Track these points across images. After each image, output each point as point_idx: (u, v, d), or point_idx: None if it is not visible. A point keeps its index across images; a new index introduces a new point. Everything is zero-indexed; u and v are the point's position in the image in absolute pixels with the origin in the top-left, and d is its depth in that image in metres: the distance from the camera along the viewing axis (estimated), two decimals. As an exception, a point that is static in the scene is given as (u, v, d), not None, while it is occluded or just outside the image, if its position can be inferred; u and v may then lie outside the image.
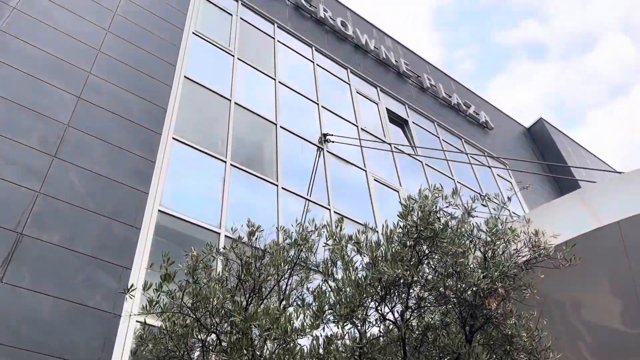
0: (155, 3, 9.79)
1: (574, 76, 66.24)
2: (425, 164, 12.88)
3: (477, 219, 4.27)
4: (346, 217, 9.14)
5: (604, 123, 61.82)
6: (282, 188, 8.75)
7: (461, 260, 3.76)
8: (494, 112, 18.52)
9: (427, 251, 3.83)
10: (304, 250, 4.17)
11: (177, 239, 6.97)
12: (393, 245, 3.85)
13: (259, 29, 12.20)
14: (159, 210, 6.68)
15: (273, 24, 12.70)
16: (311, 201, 9.04)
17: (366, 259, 3.94)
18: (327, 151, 10.45)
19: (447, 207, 3.84)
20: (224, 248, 4.24)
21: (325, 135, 10.68)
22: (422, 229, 3.70)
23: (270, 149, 9.48)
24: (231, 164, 8.30)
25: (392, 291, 3.79)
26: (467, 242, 4.00)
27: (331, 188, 9.66)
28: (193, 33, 10.15)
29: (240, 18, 11.84)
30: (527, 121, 20.10)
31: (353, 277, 3.76)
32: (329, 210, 9.21)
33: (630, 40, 61.09)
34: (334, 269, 4.11)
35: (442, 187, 3.93)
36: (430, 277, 3.93)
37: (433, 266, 3.99)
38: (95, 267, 5.51)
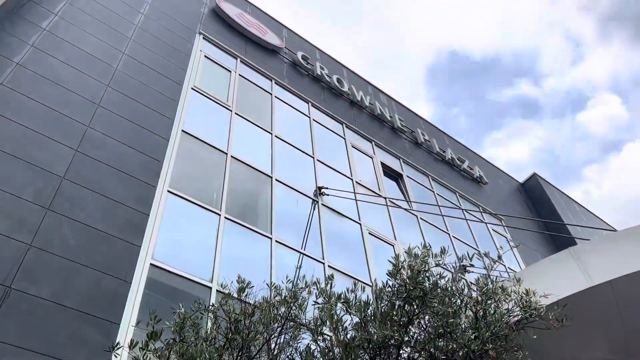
0: (156, 59, 10.09)
1: (566, 133, 67.53)
2: (420, 218, 12.90)
3: (471, 274, 4.26)
4: (340, 272, 9.08)
5: (597, 179, 62.55)
6: (276, 241, 8.73)
7: (451, 320, 3.73)
8: (488, 167, 18.74)
9: (417, 311, 3.79)
10: (293, 307, 4.12)
11: (168, 293, 6.88)
12: (383, 304, 3.82)
13: (257, 85, 12.52)
14: (151, 264, 6.63)
15: (271, 80, 13.04)
16: (305, 254, 8.99)
17: (355, 319, 3.90)
18: (322, 204, 10.50)
19: (435, 266, 3.84)
20: (212, 305, 4.20)
21: (320, 188, 10.76)
22: (411, 288, 3.68)
23: (265, 201, 9.52)
24: (225, 217, 8.31)
25: (381, 352, 3.73)
26: (458, 301, 3.98)
27: (326, 241, 9.64)
28: (192, 88, 10.40)
29: (239, 75, 12.17)
30: (521, 176, 20.32)
31: (342, 338, 3.71)
32: (323, 264, 9.14)
33: (619, 98, 62.80)
34: (324, 328, 4.06)
35: (430, 246, 3.95)
36: (420, 337, 3.88)
37: (423, 326, 3.95)
38: (83, 322, 5.41)
